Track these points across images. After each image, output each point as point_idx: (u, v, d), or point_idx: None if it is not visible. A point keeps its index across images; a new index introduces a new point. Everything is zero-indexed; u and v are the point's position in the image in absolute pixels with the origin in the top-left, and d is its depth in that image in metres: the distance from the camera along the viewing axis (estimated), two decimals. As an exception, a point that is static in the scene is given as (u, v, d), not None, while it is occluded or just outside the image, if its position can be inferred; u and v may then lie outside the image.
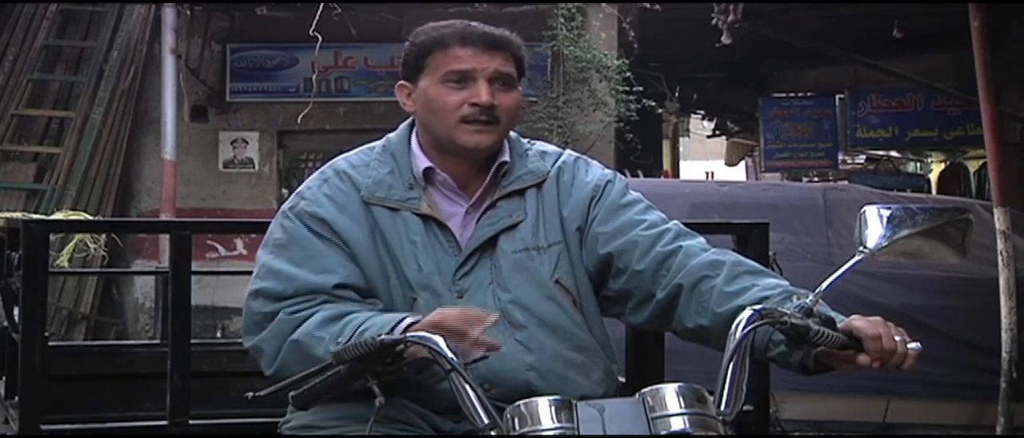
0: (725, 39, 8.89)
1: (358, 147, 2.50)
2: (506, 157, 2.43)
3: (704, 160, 24.01)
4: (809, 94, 14.92)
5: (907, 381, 6.42)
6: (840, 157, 15.41)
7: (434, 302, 2.29)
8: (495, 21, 2.53)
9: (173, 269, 3.14)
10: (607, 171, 2.52)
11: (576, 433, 1.82)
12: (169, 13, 10.56)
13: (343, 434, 2.21)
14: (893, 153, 16.23)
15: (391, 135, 2.49)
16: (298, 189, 2.45)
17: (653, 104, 10.90)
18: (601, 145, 10.73)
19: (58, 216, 7.58)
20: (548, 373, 2.31)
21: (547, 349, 2.33)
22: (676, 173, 18.74)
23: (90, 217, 8.47)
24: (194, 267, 3.16)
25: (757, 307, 1.99)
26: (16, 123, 11.42)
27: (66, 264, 6.80)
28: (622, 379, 2.87)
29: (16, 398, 3.11)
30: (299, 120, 10.51)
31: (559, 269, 2.38)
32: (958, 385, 6.89)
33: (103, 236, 7.25)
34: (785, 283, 2.24)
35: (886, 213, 2.22)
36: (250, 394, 1.99)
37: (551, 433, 1.83)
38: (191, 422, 3.05)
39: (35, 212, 9.89)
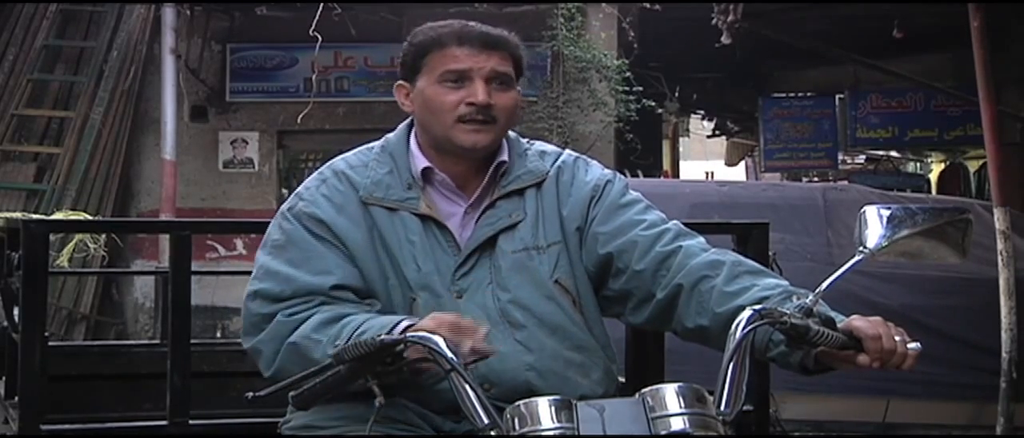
0: (725, 39, 8.89)
1: (358, 147, 2.50)
2: (505, 157, 2.43)
3: (704, 160, 24.01)
4: (809, 94, 14.92)
5: (907, 381, 6.42)
6: (840, 157, 15.41)
7: (433, 302, 2.29)
8: (495, 21, 2.53)
9: (173, 269, 3.14)
10: (607, 171, 2.52)
11: (576, 433, 1.82)
12: (169, 13, 10.56)
13: (343, 434, 2.21)
14: (893, 153, 16.24)
15: (390, 135, 2.49)
16: (297, 190, 2.45)
17: (653, 104, 10.91)
18: (601, 145, 10.73)
19: (58, 216, 7.58)
20: (548, 373, 2.30)
21: (547, 349, 2.32)
22: (676, 173, 18.74)
23: (90, 217, 8.47)
24: (194, 267, 3.16)
25: (757, 307, 1.99)
26: (16, 123, 11.42)
27: (66, 264, 6.80)
28: (622, 379, 2.87)
29: (16, 398, 3.11)
30: (299, 120, 10.51)
31: (559, 269, 2.38)
32: (958, 385, 6.89)
33: (103, 236, 7.24)
34: (785, 283, 2.24)
35: (886, 213, 2.22)
36: (250, 394, 1.99)
37: (551, 433, 1.83)
38: (191, 422, 3.05)
39: (35, 212, 9.89)
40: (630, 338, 3.34)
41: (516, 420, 1.85)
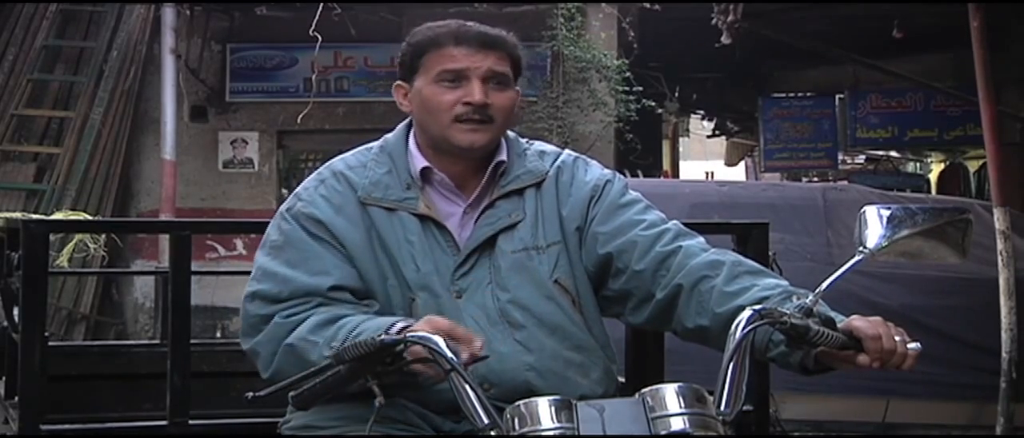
0: (725, 39, 8.89)
1: (357, 147, 2.50)
2: (503, 156, 2.42)
3: (704, 160, 24.01)
4: (809, 94, 14.92)
5: (907, 381, 6.42)
6: (840, 157, 15.42)
7: (432, 302, 2.29)
8: (495, 21, 2.53)
9: (173, 269, 3.14)
10: (606, 171, 2.52)
11: (576, 433, 1.82)
12: (169, 13, 10.56)
13: (343, 434, 2.20)
14: (893, 153, 16.24)
15: (389, 135, 2.49)
16: (295, 190, 2.45)
17: (653, 104, 10.91)
18: (601, 145, 10.73)
19: (58, 216, 7.58)
20: (547, 373, 2.30)
21: (546, 349, 2.32)
22: (676, 173, 18.75)
23: (90, 217, 8.47)
24: (194, 267, 3.16)
25: (757, 307, 1.98)
26: (16, 123, 11.43)
27: (66, 264, 6.80)
28: (622, 379, 2.87)
29: (16, 398, 3.11)
30: (299, 120, 10.51)
31: (558, 269, 2.38)
32: (958, 385, 6.89)
33: (103, 236, 7.24)
34: (785, 283, 2.24)
35: (886, 213, 2.22)
36: (250, 394, 1.99)
37: (551, 433, 1.82)
38: (191, 422, 3.05)
39: (35, 212, 9.89)
40: (630, 338, 3.34)
41: (516, 420, 1.85)
